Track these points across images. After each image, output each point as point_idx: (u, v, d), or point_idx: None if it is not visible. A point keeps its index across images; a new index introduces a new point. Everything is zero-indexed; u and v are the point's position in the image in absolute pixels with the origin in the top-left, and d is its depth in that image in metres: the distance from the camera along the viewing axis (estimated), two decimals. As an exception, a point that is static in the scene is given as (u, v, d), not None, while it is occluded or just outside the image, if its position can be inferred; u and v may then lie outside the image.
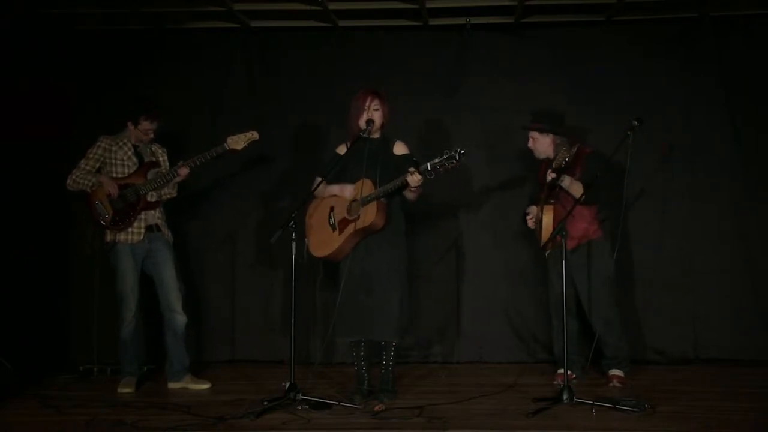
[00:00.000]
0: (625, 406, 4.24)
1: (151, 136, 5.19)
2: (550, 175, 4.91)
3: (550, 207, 4.97)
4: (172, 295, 5.12)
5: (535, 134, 5.13)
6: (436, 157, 4.34)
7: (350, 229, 4.57)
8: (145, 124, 5.13)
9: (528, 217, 5.21)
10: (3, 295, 5.36)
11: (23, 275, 5.57)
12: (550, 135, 5.08)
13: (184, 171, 5.11)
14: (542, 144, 5.11)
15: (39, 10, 5.65)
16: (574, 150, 5.06)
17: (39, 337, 5.71)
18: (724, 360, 5.69)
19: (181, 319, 5.13)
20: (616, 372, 5.08)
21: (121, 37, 6.08)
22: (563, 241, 4.46)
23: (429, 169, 4.35)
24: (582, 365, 5.10)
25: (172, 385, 5.14)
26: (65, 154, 5.76)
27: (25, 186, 5.60)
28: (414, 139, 5.66)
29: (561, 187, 4.93)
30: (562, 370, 4.69)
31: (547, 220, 4.94)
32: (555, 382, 5.01)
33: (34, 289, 5.66)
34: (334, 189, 4.71)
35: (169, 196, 5.27)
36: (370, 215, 4.52)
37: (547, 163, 5.13)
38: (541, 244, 4.91)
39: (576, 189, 4.88)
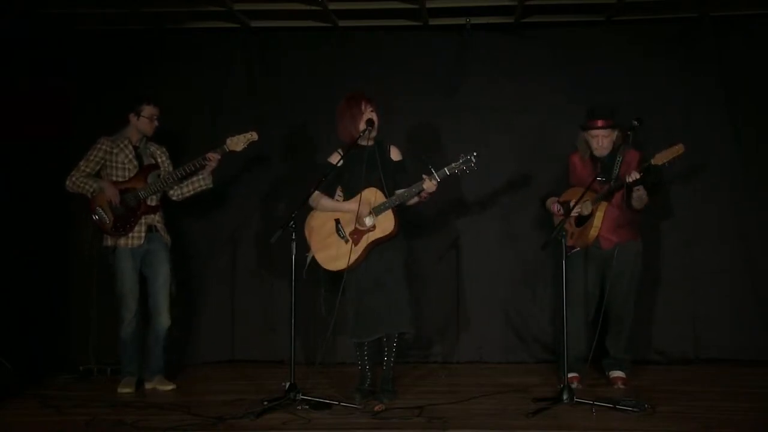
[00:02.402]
0: (625, 406, 4.24)
1: (156, 123, 5.15)
2: (635, 176, 4.66)
3: (605, 205, 4.86)
4: (161, 296, 5.12)
5: (607, 132, 4.91)
6: (453, 162, 4.47)
7: (367, 239, 4.56)
8: (149, 109, 5.10)
9: (558, 211, 4.99)
10: (3, 295, 5.36)
11: (23, 275, 5.57)
12: (616, 131, 4.94)
13: (215, 156, 5.04)
14: (610, 141, 4.92)
15: (39, 10, 5.65)
16: (630, 152, 4.93)
17: (39, 337, 5.71)
18: (724, 360, 5.69)
19: (164, 321, 5.13)
20: (619, 373, 5.08)
21: (121, 37, 6.07)
22: (563, 241, 4.46)
23: (447, 174, 4.48)
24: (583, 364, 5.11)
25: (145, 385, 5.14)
26: (65, 154, 5.75)
27: (25, 186, 5.59)
28: (414, 139, 5.68)
29: (628, 189, 4.73)
30: (571, 374, 4.70)
31: (600, 217, 4.85)
32: (573, 385, 4.79)
33: (34, 289, 5.65)
34: (344, 207, 4.66)
35: (205, 187, 5.21)
36: (388, 224, 4.54)
37: (594, 161, 4.97)
38: (588, 241, 4.84)
39: (644, 200, 4.82)
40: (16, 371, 5.10)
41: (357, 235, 4.59)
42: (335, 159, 4.68)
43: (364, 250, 4.56)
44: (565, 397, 4.34)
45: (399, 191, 4.60)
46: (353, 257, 4.55)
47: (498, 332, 5.94)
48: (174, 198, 5.24)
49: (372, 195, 4.57)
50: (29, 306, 5.60)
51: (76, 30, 6.01)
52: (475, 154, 4.44)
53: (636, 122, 4.67)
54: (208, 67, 6.13)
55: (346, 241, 4.61)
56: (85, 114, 6.01)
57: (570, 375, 4.78)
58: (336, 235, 4.65)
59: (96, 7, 5.67)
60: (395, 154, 4.74)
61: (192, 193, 5.23)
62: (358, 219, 4.58)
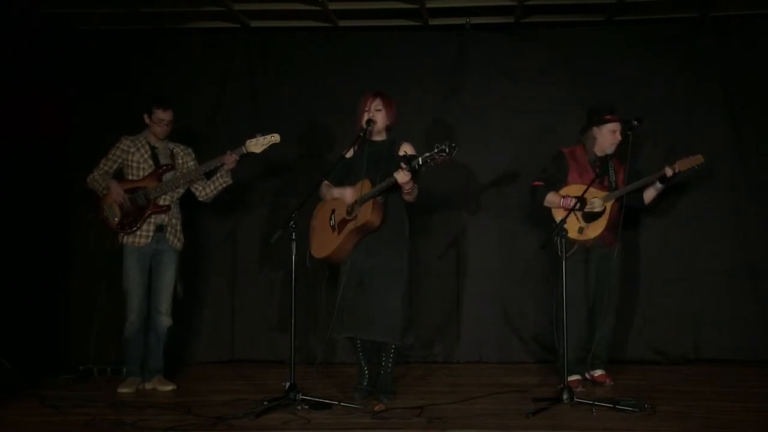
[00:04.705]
0: (625, 406, 4.24)
1: (166, 128, 5.15)
2: (669, 171, 4.83)
3: (611, 203, 4.87)
4: (162, 296, 5.12)
5: (618, 125, 4.94)
6: (427, 152, 4.35)
7: (348, 228, 4.60)
8: (158, 113, 5.11)
9: (566, 203, 4.90)
10: (3, 295, 5.36)
11: (23, 275, 5.56)
12: None
13: (231, 158, 5.02)
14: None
15: (39, 10, 5.65)
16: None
17: (39, 337, 5.71)
18: (724, 360, 5.69)
19: (165, 320, 5.13)
20: (602, 372, 5.08)
21: (121, 37, 6.08)
22: (561, 241, 4.44)
23: (420, 163, 4.36)
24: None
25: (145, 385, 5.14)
26: (65, 154, 5.76)
27: (25, 186, 5.59)
28: (414, 139, 5.65)
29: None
30: (573, 377, 4.68)
31: (606, 215, 4.88)
32: (578, 389, 4.76)
33: (34, 289, 5.65)
34: (334, 192, 4.72)
35: (225, 185, 5.20)
36: (365, 214, 4.54)
37: (594, 159, 4.98)
38: (593, 238, 4.82)
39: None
40: (16, 371, 5.10)
41: (342, 224, 4.64)
42: (350, 153, 4.74)
43: (345, 238, 4.59)
44: (565, 397, 4.34)
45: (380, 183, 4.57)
46: (335, 244, 4.61)
47: (498, 332, 5.94)
48: (201, 199, 5.26)
49: (367, 187, 4.58)
50: (29, 306, 5.60)
51: (76, 30, 6.01)
52: (453, 145, 4.27)
53: (636, 122, 4.67)
54: (208, 67, 6.13)
55: (334, 230, 4.66)
56: (85, 114, 6.02)
57: (571, 378, 4.77)
58: (328, 223, 4.71)
59: (96, 7, 5.68)
60: (404, 150, 4.68)
61: (215, 192, 5.23)
62: (347, 205, 4.62)
